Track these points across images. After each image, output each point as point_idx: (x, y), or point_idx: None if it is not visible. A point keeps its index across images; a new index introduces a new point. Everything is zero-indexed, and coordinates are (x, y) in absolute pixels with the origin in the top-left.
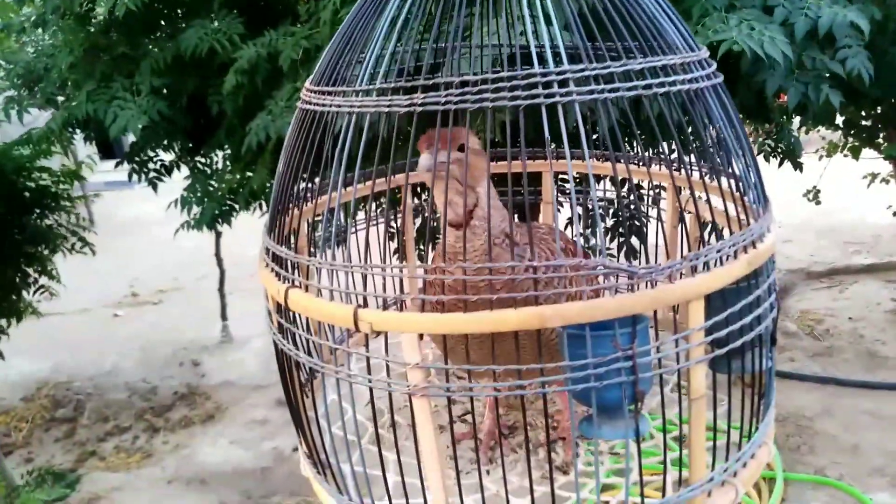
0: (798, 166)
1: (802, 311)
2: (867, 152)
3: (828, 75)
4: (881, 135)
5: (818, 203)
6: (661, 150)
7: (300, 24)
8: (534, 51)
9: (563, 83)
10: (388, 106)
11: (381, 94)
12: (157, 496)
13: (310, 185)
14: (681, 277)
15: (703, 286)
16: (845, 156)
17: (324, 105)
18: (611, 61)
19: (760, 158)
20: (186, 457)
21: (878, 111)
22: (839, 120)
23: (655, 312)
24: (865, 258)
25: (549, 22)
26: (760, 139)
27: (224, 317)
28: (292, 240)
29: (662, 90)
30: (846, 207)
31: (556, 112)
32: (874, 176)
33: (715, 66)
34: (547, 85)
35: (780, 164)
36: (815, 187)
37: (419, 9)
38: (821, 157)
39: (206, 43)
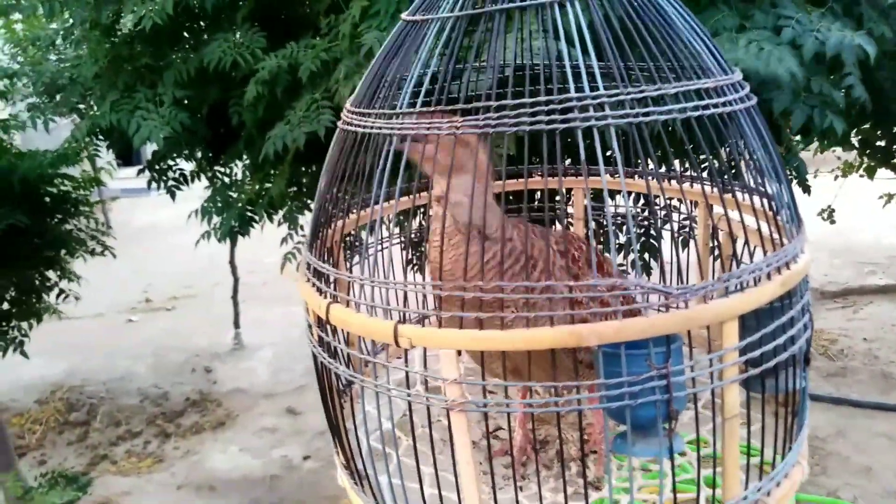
0: (806, 189)
1: (816, 331)
2: (883, 172)
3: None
4: None
5: (833, 222)
6: (695, 169)
7: (320, 38)
8: (569, 72)
9: (598, 107)
10: (428, 128)
11: (423, 116)
12: (166, 501)
13: (349, 202)
14: (714, 298)
15: (736, 307)
16: (861, 176)
17: (364, 126)
18: (645, 84)
19: None
20: (196, 463)
21: (895, 131)
22: (854, 140)
23: (689, 332)
24: (880, 279)
25: (583, 46)
26: None
27: (237, 324)
28: (333, 255)
29: (696, 114)
30: (861, 227)
31: (590, 134)
32: (890, 196)
33: (748, 88)
34: (583, 109)
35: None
36: (829, 206)
37: (457, 33)
38: (836, 177)
39: (229, 57)
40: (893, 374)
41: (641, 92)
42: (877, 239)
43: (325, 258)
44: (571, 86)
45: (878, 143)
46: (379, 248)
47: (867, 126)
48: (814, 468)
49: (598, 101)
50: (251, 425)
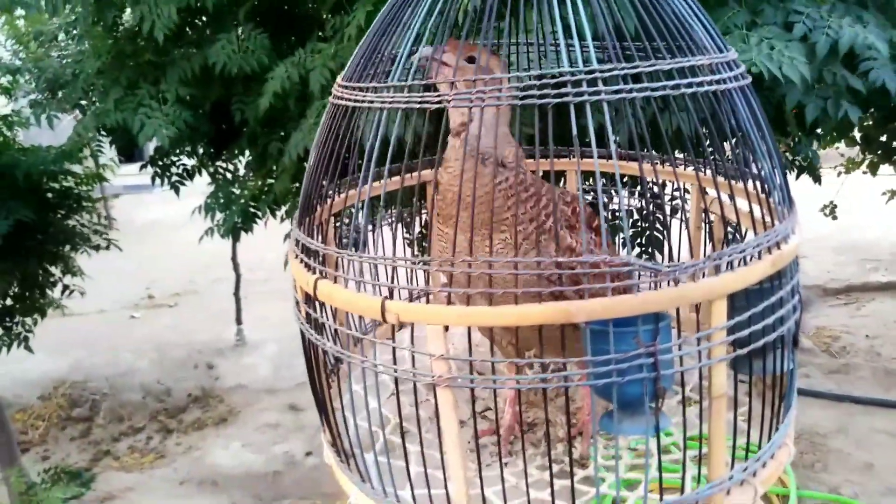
0: (817, 179)
1: (818, 328)
2: (886, 169)
3: (847, 89)
4: None
5: (835, 218)
6: (686, 150)
7: (325, 41)
8: (563, 50)
9: (591, 82)
10: (420, 102)
11: (412, 90)
12: (169, 497)
13: (339, 179)
14: (704, 276)
15: (726, 285)
16: (864, 172)
17: (355, 100)
18: (639, 61)
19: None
20: (198, 459)
21: None
22: (857, 136)
23: (678, 311)
24: (883, 276)
25: (578, 23)
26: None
27: (239, 320)
28: (322, 231)
29: (690, 90)
30: (865, 224)
31: (583, 111)
32: (893, 193)
33: (743, 67)
34: (576, 84)
35: (798, 176)
36: (831, 202)
37: (450, 8)
38: (839, 174)
39: (234, 63)
40: (895, 370)
41: (635, 67)
42: (880, 236)
43: (314, 234)
44: (565, 61)
45: (881, 139)
46: (371, 225)
47: (869, 122)
48: (815, 465)
49: (592, 76)
50: (253, 421)
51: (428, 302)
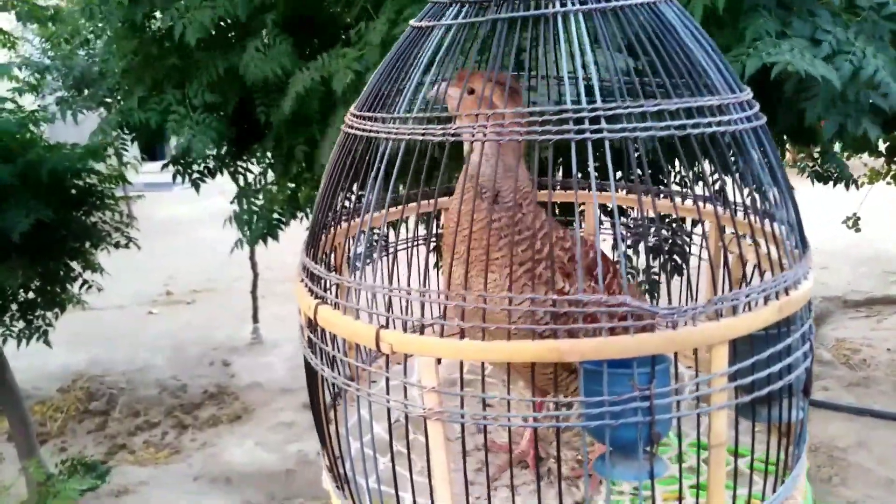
0: (851, 184)
1: (838, 340)
2: None
3: (870, 106)
4: None
5: (858, 230)
6: (702, 187)
7: (350, 47)
8: (567, 86)
9: (594, 120)
10: (423, 134)
11: (418, 122)
12: (183, 492)
13: (350, 205)
14: (706, 320)
15: (726, 331)
16: (888, 184)
17: (365, 130)
18: (645, 99)
19: (806, 181)
20: (213, 455)
21: None
22: (882, 147)
23: (696, 352)
24: None
25: (584, 59)
26: (802, 163)
27: (255, 319)
28: (332, 257)
29: (697, 131)
30: (887, 236)
31: (593, 146)
32: None
33: (758, 107)
34: (578, 121)
35: (835, 184)
36: (854, 214)
37: (459, 42)
38: (862, 184)
39: (260, 72)
40: None
41: (640, 106)
42: None
43: (318, 258)
44: (568, 98)
45: None
46: (377, 252)
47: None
48: (833, 479)
49: (595, 114)
50: (268, 420)
51: (422, 333)
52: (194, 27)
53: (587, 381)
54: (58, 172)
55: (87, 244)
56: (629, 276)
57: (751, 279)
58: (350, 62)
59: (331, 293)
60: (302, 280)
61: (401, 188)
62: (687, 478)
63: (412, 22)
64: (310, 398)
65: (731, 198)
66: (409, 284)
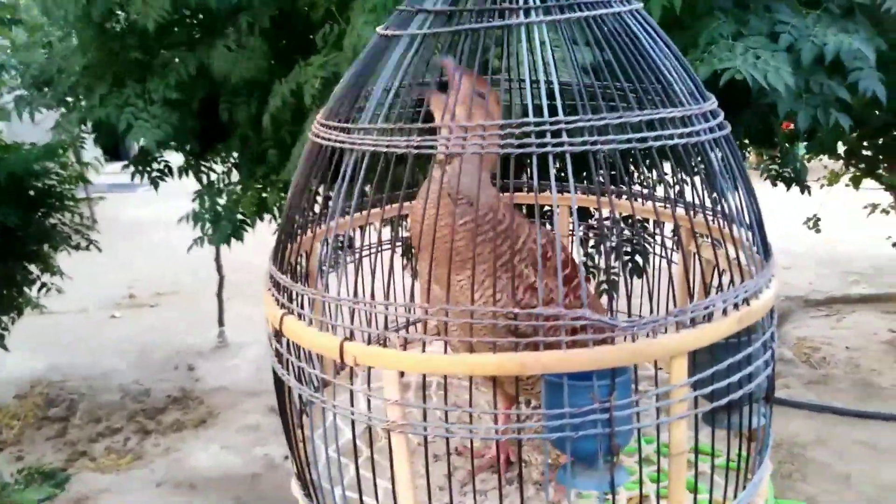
0: (805, 189)
1: (799, 339)
2: (869, 182)
3: (836, 100)
4: (882, 165)
5: (818, 231)
6: (663, 189)
7: (317, 53)
8: (530, 99)
9: (556, 133)
10: (387, 146)
11: (381, 133)
12: (145, 499)
13: (316, 213)
14: (665, 332)
15: (685, 343)
16: (847, 185)
17: (330, 140)
18: (609, 112)
19: (766, 183)
20: (177, 460)
21: (880, 142)
22: (841, 149)
23: (658, 362)
24: (864, 288)
25: (547, 71)
26: (764, 164)
27: (221, 322)
28: (299, 267)
29: (658, 143)
30: (847, 237)
31: (555, 156)
32: (875, 206)
33: (722, 116)
34: (540, 135)
35: (789, 187)
36: (815, 215)
37: (426, 49)
38: (822, 186)
39: (237, 71)
40: (874, 382)
41: (602, 119)
42: (861, 249)
43: (286, 270)
44: (531, 111)
45: (864, 153)
46: (342, 259)
47: (853, 135)
48: (793, 475)
49: (557, 127)
50: (233, 423)
51: (385, 345)
52: (154, 11)
53: (549, 392)
54: (16, 175)
55: (46, 246)
56: (589, 278)
57: (711, 281)
58: (317, 70)
59: (296, 303)
60: (269, 289)
61: (367, 191)
62: (651, 478)
63: (379, 29)
64: (278, 406)
65: (690, 199)
66: (373, 292)
